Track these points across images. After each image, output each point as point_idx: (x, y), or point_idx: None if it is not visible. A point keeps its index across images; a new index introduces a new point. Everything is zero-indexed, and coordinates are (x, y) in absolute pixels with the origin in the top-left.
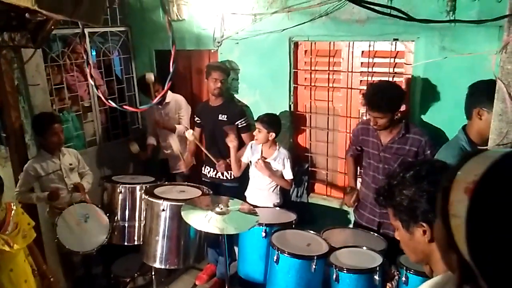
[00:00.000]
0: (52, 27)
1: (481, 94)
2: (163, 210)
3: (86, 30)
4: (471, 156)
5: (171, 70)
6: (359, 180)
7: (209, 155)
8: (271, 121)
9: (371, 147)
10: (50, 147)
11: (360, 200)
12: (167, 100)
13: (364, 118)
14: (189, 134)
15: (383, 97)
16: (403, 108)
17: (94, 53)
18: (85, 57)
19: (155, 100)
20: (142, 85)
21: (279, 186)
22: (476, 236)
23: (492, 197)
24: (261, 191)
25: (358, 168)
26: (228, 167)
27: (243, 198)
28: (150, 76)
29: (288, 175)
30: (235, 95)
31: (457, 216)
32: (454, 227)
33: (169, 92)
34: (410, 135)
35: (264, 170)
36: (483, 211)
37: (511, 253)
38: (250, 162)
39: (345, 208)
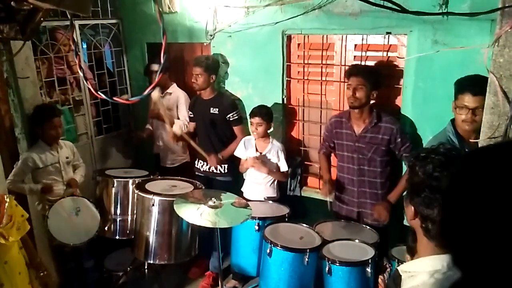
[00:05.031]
0: (42, 18)
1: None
2: (153, 205)
3: (76, 22)
4: None
5: (162, 61)
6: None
7: (198, 149)
8: (268, 112)
9: (345, 139)
10: (48, 139)
11: (337, 194)
12: (169, 91)
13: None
14: (176, 127)
15: (362, 65)
16: (376, 93)
17: (85, 45)
18: (73, 48)
19: (146, 92)
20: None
21: (276, 180)
22: None
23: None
24: (258, 185)
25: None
26: (219, 162)
27: (237, 192)
28: (154, 67)
29: (283, 167)
30: (227, 88)
31: None
32: None
33: (175, 85)
34: (382, 124)
35: (262, 168)
36: None
37: None
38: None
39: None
